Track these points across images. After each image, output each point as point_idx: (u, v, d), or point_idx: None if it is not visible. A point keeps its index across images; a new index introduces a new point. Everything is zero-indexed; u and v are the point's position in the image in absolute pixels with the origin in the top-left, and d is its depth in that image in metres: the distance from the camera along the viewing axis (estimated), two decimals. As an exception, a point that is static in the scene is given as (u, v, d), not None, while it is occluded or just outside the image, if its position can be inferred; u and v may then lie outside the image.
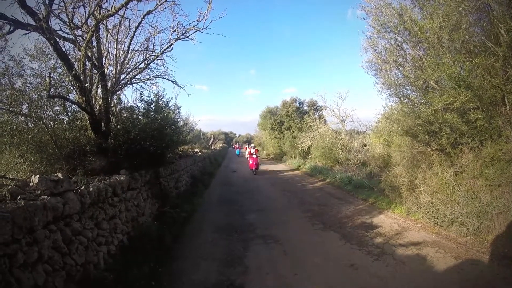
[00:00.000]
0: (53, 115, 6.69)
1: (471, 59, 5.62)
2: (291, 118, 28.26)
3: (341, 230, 6.94)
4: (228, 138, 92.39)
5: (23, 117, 6.22)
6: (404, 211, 7.82)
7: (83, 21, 6.87)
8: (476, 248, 5.48)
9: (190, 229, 7.43)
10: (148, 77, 9.59)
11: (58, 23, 6.78)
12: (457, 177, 6.58)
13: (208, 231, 7.27)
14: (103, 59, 7.82)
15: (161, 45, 8.81)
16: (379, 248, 5.78)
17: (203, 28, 7.94)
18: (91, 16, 6.69)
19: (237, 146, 51.36)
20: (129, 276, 4.47)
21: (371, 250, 5.72)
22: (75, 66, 6.56)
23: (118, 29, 8.18)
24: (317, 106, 27.32)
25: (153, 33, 8.62)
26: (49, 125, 6.43)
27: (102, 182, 5.34)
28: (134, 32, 8.15)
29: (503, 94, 5.67)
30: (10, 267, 2.85)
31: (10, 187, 3.70)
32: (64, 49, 6.51)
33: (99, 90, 7.65)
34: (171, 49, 8.65)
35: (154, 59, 8.82)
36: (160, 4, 7.24)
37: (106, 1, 6.96)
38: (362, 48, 8.80)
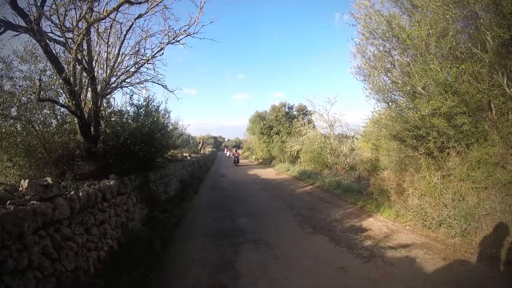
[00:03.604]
0: (42, 119, 6.59)
1: (457, 65, 5.75)
2: (280, 123, 28.39)
3: (330, 234, 6.99)
4: (217, 143, 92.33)
5: (12, 120, 6.12)
6: (393, 214, 7.92)
7: (75, 24, 6.81)
8: (464, 249, 5.59)
9: (180, 234, 7.38)
10: (138, 81, 9.54)
11: (49, 25, 6.73)
12: (445, 180, 6.71)
13: (198, 236, 7.23)
14: (94, 63, 7.77)
15: (151, 49, 8.82)
16: (368, 251, 5.84)
17: (194, 33, 8.00)
18: (82, 19, 6.65)
19: (233, 151, 44.05)
20: (119, 282, 4.43)
21: (361, 252, 5.78)
22: (65, 69, 6.51)
23: (109, 32, 8.14)
24: (306, 111, 27.55)
25: (144, 37, 8.62)
26: (38, 128, 6.34)
27: (92, 187, 5.28)
28: (125, 35, 8.14)
29: (489, 99, 5.82)
30: (0, 274, 2.80)
31: (-1, 191, 3.64)
32: (54, 52, 6.45)
33: (89, 94, 7.59)
34: (162, 53, 8.67)
35: (145, 63, 8.81)
36: (151, 8, 7.26)
37: (98, 5, 6.94)
38: (351, 54, 8.93)
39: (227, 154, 51.54)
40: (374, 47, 8.10)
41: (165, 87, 9.73)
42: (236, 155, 34.50)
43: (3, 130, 5.86)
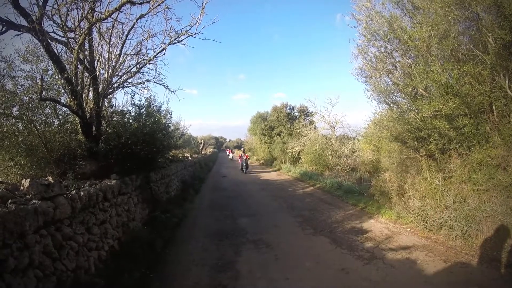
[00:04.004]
0: (43, 118, 6.61)
1: (459, 67, 5.75)
2: (281, 124, 28.37)
3: (331, 235, 6.98)
4: (219, 143, 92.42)
5: (13, 120, 6.13)
6: (394, 216, 7.91)
7: (76, 24, 6.85)
8: (465, 251, 5.58)
9: (181, 234, 7.39)
10: (140, 81, 9.56)
11: (51, 25, 6.76)
12: (446, 182, 6.70)
13: (199, 236, 7.24)
14: (95, 62, 7.80)
15: (153, 49, 8.83)
16: (369, 253, 5.83)
17: (195, 33, 8.03)
18: (84, 19, 6.67)
19: (239, 153, 34.48)
20: (120, 282, 4.43)
21: (362, 254, 5.77)
22: (67, 69, 6.54)
23: (111, 32, 8.18)
24: (308, 112, 27.49)
25: (146, 37, 8.65)
26: (40, 128, 6.35)
27: (93, 186, 5.29)
28: (127, 35, 8.18)
29: (490, 101, 5.82)
30: (1, 273, 2.80)
31: (0, 191, 3.65)
32: (56, 52, 6.48)
33: (91, 94, 7.62)
34: (164, 54, 8.69)
35: (146, 63, 8.83)
36: (153, 8, 7.27)
37: (100, 5, 6.97)
38: (352, 55, 8.92)
39: (230, 156, 46.30)
40: (376, 48, 8.10)
41: (166, 87, 9.76)
42: (245, 158, 24.89)
43: (5, 130, 5.87)
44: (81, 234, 4.44)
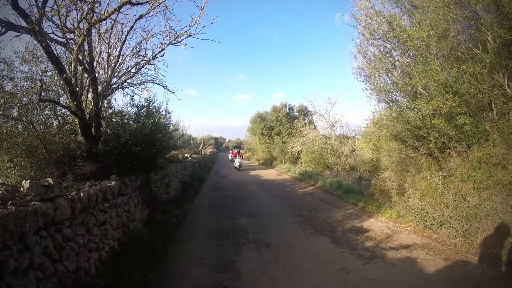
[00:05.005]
0: (43, 119, 6.61)
1: (458, 65, 5.77)
2: (281, 123, 28.39)
3: (331, 234, 6.98)
4: (218, 143, 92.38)
5: (13, 121, 6.12)
6: (394, 215, 7.91)
7: (76, 25, 6.84)
8: (465, 249, 5.58)
9: (181, 235, 7.39)
10: (139, 81, 9.58)
11: (50, 26, 6.75)
12: (446, 180, 6.70)
13: (199, 236, 7.23)
14: (95, 63, 7.80)
15: (152, 49, 8.84)
16: (369, 252, 5.83)
17: (195, 34, 8.04)
18: (83, 20, 6.66)
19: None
20: (120, 282, 4.42)
21: (362, 253, 5.77)
22: (66, 70, 6.52)
23: (110, 33, 8.18)
24: (307, 112, 27.55)
25: (145, 37, 8.65)
26: (39, 129, 6.35)
27: (93, 187, 5.28)
28: (126, 36, 8.17)
29: (489, 99, 5.83)
30: (2, 274, 2.79)
31: (0, 192, 3.64)
32: (55, 53, 6.47)
33: (90, 95, 7.60)
34: (163, 54, 8.70)
35: (146, 64, 8.83)
36: (153, 9, 7.27)
37: (99, 5, 6.97)
38: (352, 55, 8.94)
39: (237, 164, 29.32)
40: (375, 47, 8.12)
41: (166, 87, 9.76)
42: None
43: (4, 131, 5.87)
44: (81, 235, 4.44)
